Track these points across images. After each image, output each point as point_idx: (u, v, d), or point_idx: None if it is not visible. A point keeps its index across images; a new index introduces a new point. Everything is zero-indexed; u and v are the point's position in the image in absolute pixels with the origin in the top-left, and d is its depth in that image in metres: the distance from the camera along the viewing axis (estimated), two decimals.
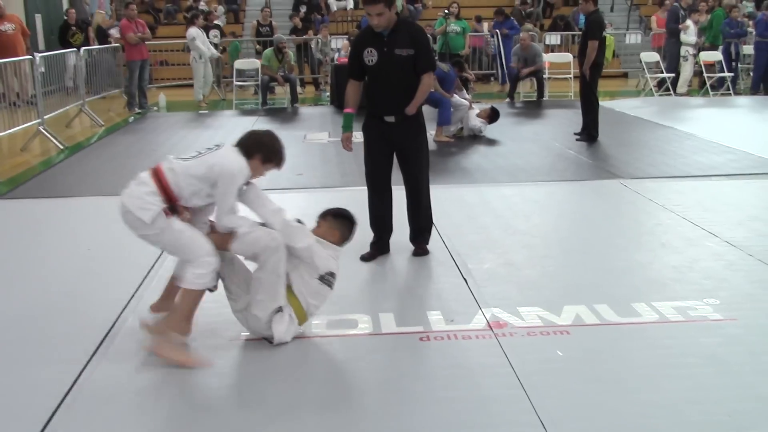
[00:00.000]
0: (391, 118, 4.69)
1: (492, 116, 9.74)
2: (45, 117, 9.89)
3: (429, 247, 5.00)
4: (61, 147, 9.47)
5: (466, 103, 9.66)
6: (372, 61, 4.62)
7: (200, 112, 12.71)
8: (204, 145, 3.61)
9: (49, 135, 9.66)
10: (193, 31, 13.13)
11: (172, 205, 3.40)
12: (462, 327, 3.82)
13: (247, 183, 3.56)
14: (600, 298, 4.14)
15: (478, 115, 9.67)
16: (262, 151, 3.57)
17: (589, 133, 9.13)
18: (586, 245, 5.18)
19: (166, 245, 3.53)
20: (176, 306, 3.52)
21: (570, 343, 3.63)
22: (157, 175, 3.40)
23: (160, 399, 3.19)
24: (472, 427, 2.91)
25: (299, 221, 3.76)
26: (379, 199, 4.94)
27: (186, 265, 3.43)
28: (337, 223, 3.87)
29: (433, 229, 5.38)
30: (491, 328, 3.79)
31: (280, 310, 3.52)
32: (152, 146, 9.44)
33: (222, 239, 3.49)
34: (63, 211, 6.31)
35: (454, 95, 9.56)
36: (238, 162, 3.46)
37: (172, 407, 3.13)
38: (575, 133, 9.33)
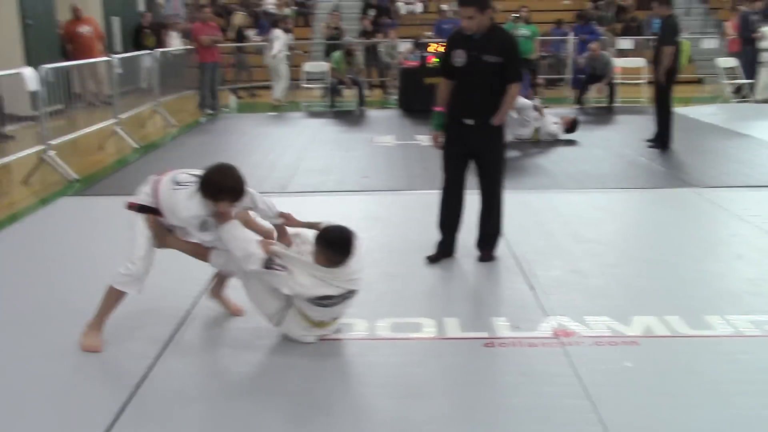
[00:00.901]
0: (470, 121, 4.67)
1: (571, 126, 9.58)
2: (121, 117, 10.20)
3: (495, 252, 4.96)
4: (136, 146, 9.75)
5: (530, 103, 9.50)
6: (459, 63, 4.61)
7: (270, 113, 12.90)
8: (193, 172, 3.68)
9: (124, 134, 9.96)
10: (278, 32, 13.47)
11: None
12: (528, 334, 3.77)
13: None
14: (671, 309, 4.04)
15: (557, 123, 9.52)
16: (206, 191, 3.50)
17: (662, 140, 8.91)
18: (658, 255, 5.05)
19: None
20: (98, 309, 3.69)
21: (639, 355, 3.55)
22: (156, 186, 3.68)
23: (225, 390, 3.24)
24: None
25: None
26: (451, 200, 4.93)
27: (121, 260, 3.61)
28: (322, 249, 3.60)
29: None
30: (557, 337, 3.73)
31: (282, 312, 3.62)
32: (222, 147, 9.63)
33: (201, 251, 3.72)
34: None
35: (521, 99, 9.44)
36: (187, 208, 3.53)
37: (240, 397, 3.17)
38: (647, 140, 9.11)
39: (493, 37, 4.56)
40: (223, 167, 3.59)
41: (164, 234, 3.71)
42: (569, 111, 10.30)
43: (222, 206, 3.49)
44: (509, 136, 9.41)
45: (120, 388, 3.24)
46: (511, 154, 8.83)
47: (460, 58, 4.60)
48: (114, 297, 3.62)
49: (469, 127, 4.68)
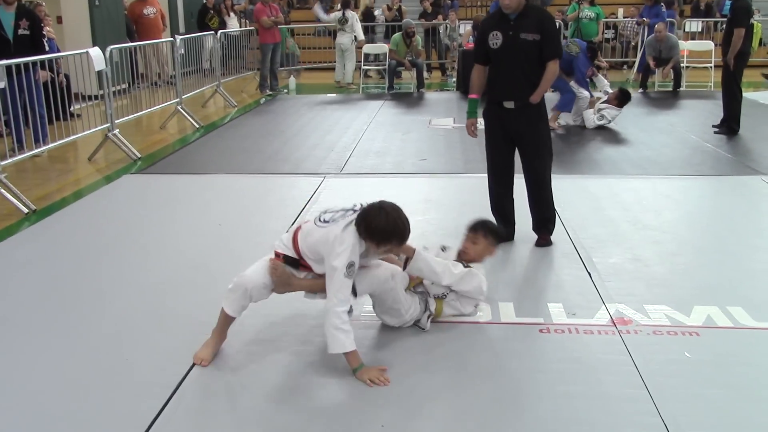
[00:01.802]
0: (510, 104, 4.60)
1: (622, 99, 9.22)
2: (183, 97, 10.37)
3: (552, 238, 4.89)
4: (197, 126, 9.91)
5: (587, 95, 9.26)
6: (496, 44, 4.55)
7: (329, 95, 12.96)
8: (344, 207, 3.34)
9: (186, 114, 10.13)
10: (353, 14, 13.61)
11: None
12: (584, 321, 3.72)
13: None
14: (734, 300, 3.92)
15: (607, 101, 9.28)
16: (374, 238, 3.19)
17: (729, 125, 8.65)
18: (722, 244, 4.92)
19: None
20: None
21: (699, 345, 3.46)
22: (294, 240, 3.37)
23: (278, 370, 3.28)
24: (591, 424, 2.83)
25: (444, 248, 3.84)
26: (499, 186, 4.89)
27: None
28: (495, 242, 3.90)
29: (558, 220, 5.26)
30: (615, 325, 3.67)
31: (418, 312, 3.63)
32: (281, 128, 9.71)
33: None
34: (197, 188, 6.60)
35: (572, 83, 9.23)
36: (345, 245, 3.17)
37: (290, 378, 3.21)
38: (714, 126, 8.85)
39: (529, 15, 4.50)
40: (389, 210, 3.21)
41: (288, 279, 3.38)
42: (633, 95, 10.00)
43: (381, 251, 3.30)
44: (572, 120, 9.30)
45: (178, 363, 3.32)
46: (571, 138, 8.71)
47: (497, 39, 4.54)
48: (224, 315, 3.40)
49: (510, 111, 4.61)
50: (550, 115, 8.84)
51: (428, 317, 3.65)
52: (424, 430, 2.81)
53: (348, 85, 13.83)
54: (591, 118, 9.15)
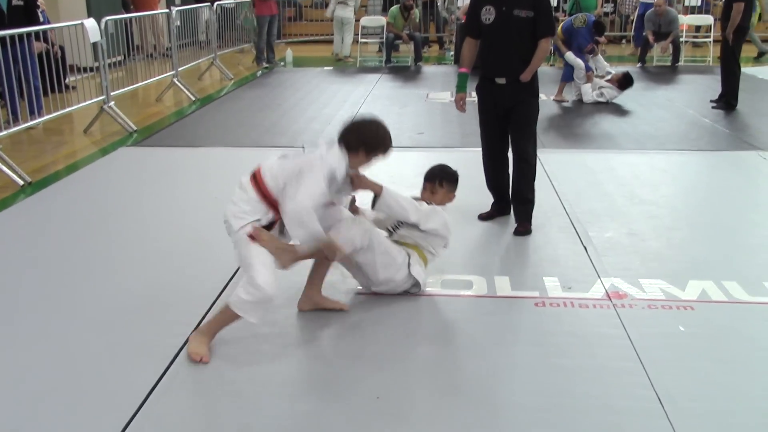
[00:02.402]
0: (502, 80, 4.56)
1: (623, 83, 9.19)
2: (179, 69, 10.30)
3: (547, 212, 4.89)
4: (193, 98, 9.85)
5: (581, 63, 9.17)
6: (489, 19, 4.50)
7: (326, 68, 12.89)
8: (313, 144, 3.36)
9: (182, 86, 10.06)
10: None
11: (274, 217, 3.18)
12: (579, 295, 3.73)
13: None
14: (729, 274, 3.94)
15: (609, 81, 9.25)
16: (366, 144, 3.27)
17: (727, 101, 8.62)
18: (718, 219, 4.93)
19: (239, 256, 3.21)
20: (212, 318, 3.29)
21: (694, 319, 3.48)
22: (256, 179, 3.18)
23: (276, 342, 3.29)
24: (585, 396, 2.85)
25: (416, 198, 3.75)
26: (493, 161, 4.85)
27: (241, 282, 3.18)
28: (452, 187, 3.87)
29: (554, 194, 5.28)
30: (610, 298, 3.68)
31: (408, 258, 3.63)
32: (278, 101, 9.67)
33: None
34: (193, 161, 6.59)
35: (569, 52, 9.18)
36: (330, 159, 3.18)
37: (288, 349, 3.22)
38: (712, 101, 8.83)
39: None
40: (373, 119, 3.38)
41: (287, 247, 3.26)
42: (630, 69, 9.98)
43: (370, 161, 3.32)
44: (573, 96, 9.24)
45: (175, 334, 3.33)
46: (569, 112, 8.68)
47: (489, 14, 4.48)
48: (230, 317, 3.18)
49: (501, 86, 4.57)
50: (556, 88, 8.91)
51: (413, 285, 3.69)
52: (420, 401, 2.83)
53: (345, 58, 13.75)
54: (589, 93, 9.12)
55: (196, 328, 3.28)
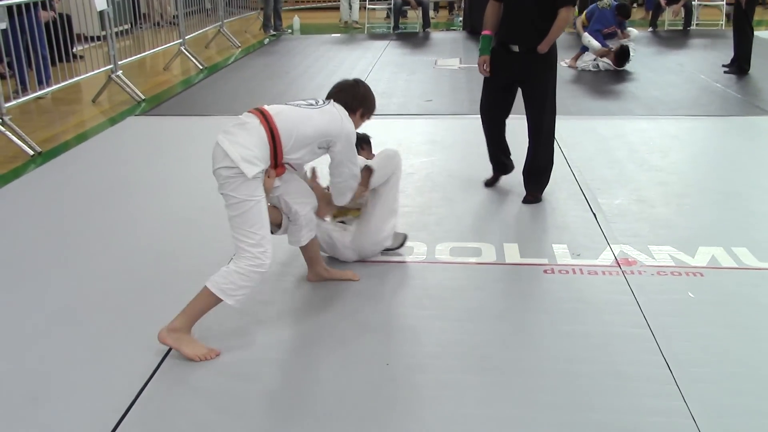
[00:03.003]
0: (515, 48, 4.41)
1: (620, 57, 8.90)
2: (186, 38, 10.25)
3: (557, 179, 4.86)
4: (201, 67, 9.82)
5: (597, 45, 8.94)
6: None
7: (334, 35, 12.80)
8: (306, 99, 3.28)
9: (189, 55, 10.02)
10: None
11: (275, 162, 3.00)
12: (588, 262, 3.73)
13: None
14: (739, 240, 3.93)
15: (604, 56, 9.04)
16: (363, 105, 3.30)
17: (739, 65, 8.52)
18: (728, 185, 4.90)
19: (235, 212, 2.93)
20: (188, 305, 2.99)
21: (703, 286, 3.48)
22: (266, 119, 2.96)
23: (285, 310, 3.32)
24: (593, 362, 2.87)
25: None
26: (490, 133, 4.76)
27: (234, 259, 2.95)
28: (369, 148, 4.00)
29: (564, 161, 5.26)
30: (619, 265, 3.68)
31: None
32: (286, 69, 9.62)
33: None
34: (201, 129, 6.57)
35: (585, 33, 9.07)
36: (351, 123, 3.18)
37: (297, 317, 3.25)
38: (724, 65, 8.73)
39: None
40: (361, 81, 3.42)
41: (329, 200, 3.39)
42: (641, 34, 9.84)
43: (361, 124, 3.33)
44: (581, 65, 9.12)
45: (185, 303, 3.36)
46: (579, 79, 8.61)
47: None
48: (212, 305, 2.97)
49: (515, 54, 4.42)
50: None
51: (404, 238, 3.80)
52: (429, 367, 2.86)
53: (353, 24, 13.63)
54: (586, 61, 9.01)
55: (169, 325, 2.96)
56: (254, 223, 2.90)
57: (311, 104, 3.16)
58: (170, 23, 11.33)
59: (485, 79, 4.65)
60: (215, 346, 3.00)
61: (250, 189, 2.89)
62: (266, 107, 3.05)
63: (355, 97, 3.28)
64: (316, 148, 3.09)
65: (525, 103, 4.58)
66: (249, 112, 3.04)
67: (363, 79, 3.45)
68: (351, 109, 3.24)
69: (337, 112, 3.15)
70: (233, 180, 2.89)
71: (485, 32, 4.56)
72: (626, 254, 3.80)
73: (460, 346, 3.01)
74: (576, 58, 9.22)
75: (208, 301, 2.93)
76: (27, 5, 7.04)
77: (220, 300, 2.91)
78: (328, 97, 3.30)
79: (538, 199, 4.62)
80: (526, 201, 4.61)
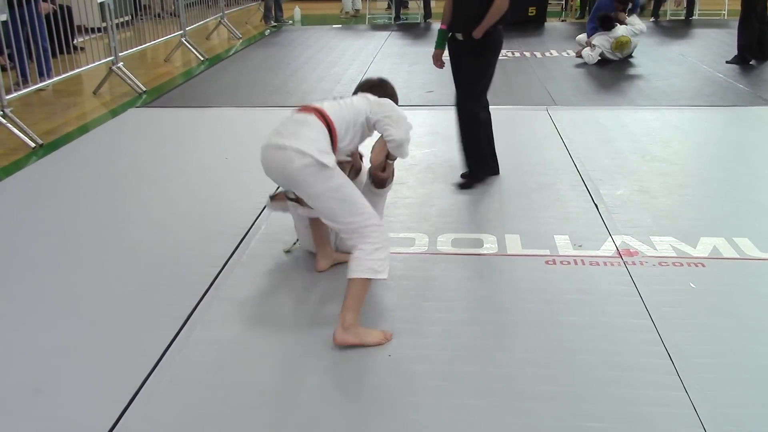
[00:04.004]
0: (460, 36, 4.50)
1: (604, 22, 8.84)
2: (187, 29, 10.23)
3: (558, 170, 4.87)
4: (202, 58, 9.80)
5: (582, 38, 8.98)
6: None
7: (335, 26, 12.77)
8: (335, 98, 3.35)
9: (190, 46, 10.00)
10: None
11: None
12: (590, 253, 3.73)
13: None
14: (741, 231, 3.93)
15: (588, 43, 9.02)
16: (393, 97, 3.46)
17: (742, 56, 8.48)
18: (730, 176, 4.89)
19: (336, 202, 2.95)
20: (349, 301, 2.95)
21: (705, 276, 3.48)
22: (321, 114, 3.05)
23: (288, 301, 3.33)
24: (595, 352, 2.87)
25: None
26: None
27: (356, 242, 2.95)
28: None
29: (566, 152, 5.26)
30: (621, 256, 3.68)
31: None
32: (287, 60, 9.60)
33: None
34: (203, 121, 6.58)
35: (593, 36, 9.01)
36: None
37: (299, 309, 3.26)
38: (728, 62, 8.65)
39: None
40: (384, 80, 3.57)
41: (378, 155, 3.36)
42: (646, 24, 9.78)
43: None
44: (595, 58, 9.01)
45: (188, 294, 3.36)
46: (580, 70, 8.58)
47: None
48: (368, 287, 2.99)
49: (459, 42, 4.51)
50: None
51: None
52: (431, 358, 2.86)
53: (356, 12, 13.59)
54: (588, 55, 8.92)
55: (342, 325, 2.91)
56: (357, 201, 2.99)
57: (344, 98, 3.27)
58: (171, 14, 11.30)
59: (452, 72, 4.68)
60: (215, 335, 3.00)
61: (336, 175, 2.96)
62: (314, 104, 3.15)
63: (384, 93, 3.39)
64: (361, 128, 3.16)
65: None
66: (300, 111, 3.13)
67: (364, 72, 3.52)
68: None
69: (370, 95, 3.29)
70: (318, 174, 2.92)
71: (442, 26, 4.66)
72: (628, 245, 3.80)
73: (461, 337, 3.01)
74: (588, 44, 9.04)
75: (364, 287, 2.96)
76: None
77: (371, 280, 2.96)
78: (356, 92, 3.41)
79: (468, 185, 4.67)
80: (459, 186, 4.68)
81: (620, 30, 8.78)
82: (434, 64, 4.80)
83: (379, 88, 3.46)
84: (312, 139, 2.96)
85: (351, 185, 3.02)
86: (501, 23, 4.44)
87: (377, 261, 2.92)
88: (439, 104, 6.91)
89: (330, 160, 2.93)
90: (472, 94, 4.60)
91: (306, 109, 3.13)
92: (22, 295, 3.42)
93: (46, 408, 2.60)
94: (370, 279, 2.94)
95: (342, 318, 2.92)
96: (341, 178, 2.99)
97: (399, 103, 3.39)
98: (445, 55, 4.72)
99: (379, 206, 3.57)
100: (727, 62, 8.51)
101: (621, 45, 8.77)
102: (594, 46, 8.84)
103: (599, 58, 8.84)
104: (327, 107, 3.12)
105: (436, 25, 12.53)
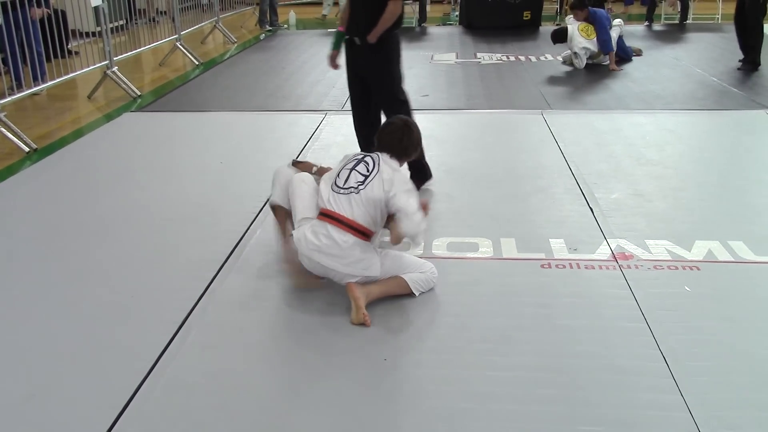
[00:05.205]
0: (357, 40, 4.50)
1: (576, 4, 8.82)
2: (182, 33, 10.22)
3: (553, 174, 4.89)
4: (196, 63, 9.79)
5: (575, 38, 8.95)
6: None
7: (330, 30, 12.77)
8: (355, 160, 3.41)
9: (185, 50, 10.00)
10: None
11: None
12: (585, 256, 3.74)
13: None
14: (736, 234, 3.94)
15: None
16: (417, 150, 3.60)
17: (753, 59, 8.35)
18: (724, 179, 4.90)
19: (387, 272, 3.31)
20: (382, 284, 3.29)
21: (699, 280, 3.49)
22: (347, 224, 3.23)
23: (283, 306, 3.32)
24: (590, 356, 2.87)
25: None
26: (361, 125, 4.76)
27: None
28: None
29: (560, 155, 5.26)
30: (616, 260, 3.69)
31: None
32: (282, 64, 9.60)
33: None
34: (197, 125, 6.57)
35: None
36: (404, 174, 3.42)
37: (295, 313, 3.25)
38: (739, 68, 8.57)
39: None
40: (408, 120, 3.65)
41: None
42: (637, 28, 9.82)
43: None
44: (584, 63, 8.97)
45: (183, 299, 3.35)
46: (575, 74, 8.60)
47: None
48: (399, 291, 3.34)
49: (357, 47, 4.51)
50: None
51: None
52: (426, 362, 2.86)
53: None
54: (576, 62, 8.88)
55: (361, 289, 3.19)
56: (408, 259, 3.43)
57: (362, 180, 3.32)
58: (164, 13, 11.27)
59: (347, 77, 4.71)
60: (210, 340, 3.00)
61: (376, 257, 3.31)
62: (340, 212, 3.26)
63: (412, 146, 3.53)
64: (382, 212, 3.32)
65: (372, 97, 4.65)
66: (335, 224, 3.25)
67: (406, 119, 3.65)
68: (405, 157, 3.51)
69: (389, 172, 3.33)
70: (368, 268, 3.27)
71: (339, 28, 4.68)
72: (623, 248, 3.81)
73: (457, 341, 3.01)
74: (613, 61, 8.79)
75: (399, 287, 3.34)
76: (21, 1, 7.00)
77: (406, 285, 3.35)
78: (380, 148, 3.46)
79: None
80: None
81: (574, 29, 8.79)
82: (329, 64, 4.81)
83: (398, 144, 3.46)
84: (351, 259, 3.23)
85: (395, 254, 3.40)
86: (396, 27, 4.46)
87: (422, 282, 3.35)
88: (435, 108, 6.91)
89: (373, 269, 3.26)
90: (391, 100, 4.58)
91: (330, 216, 3.26)
92: (15, 300, 3.41)
93: (40, 413, 2.59)
94: (407, 284, 3.30)
95: (367, 290, 3.21)
96: (386, 258, 3.32)
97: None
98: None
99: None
100: (738, 69, 8.42)
101: (587, 30, 8.78)
102: (576, 53, 8.83)
103: (588, 62, 8.84)
104: (357, 215, 3.24)
105: (431, 29, 12.62)
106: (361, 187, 3.28)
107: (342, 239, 3.22)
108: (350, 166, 3.38)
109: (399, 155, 3.45)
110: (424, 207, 3.37)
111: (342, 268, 3.23)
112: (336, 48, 4.71)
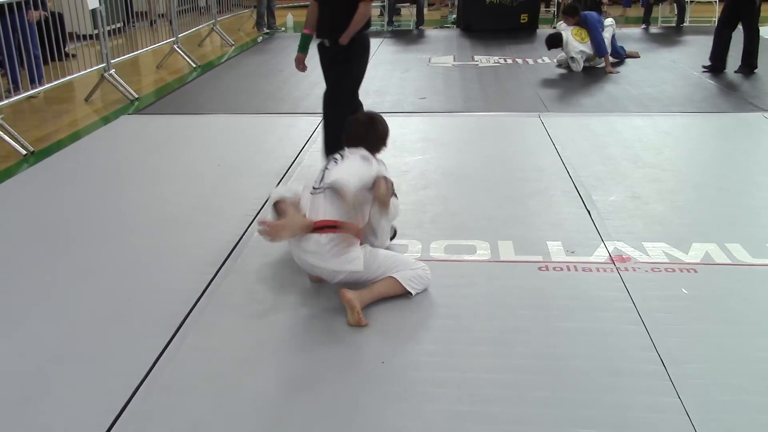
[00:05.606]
0: (327, 42, 4.57)
1: (569, 12, 8.87)
2: (179, 36, 10.22)
3: (551, 176, 4.89)
4: (194, 65, 9.79)
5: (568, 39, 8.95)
6: None
7: None
8: (330, 160, 3.49)
9: (182, 53, 10.00)
10: None
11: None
12: (583, 259, 3.74)
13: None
14: (733, 237, 3.94)
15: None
16: (384, 142, 3.65)
17: (750, 63, 8.38)
18: (722, 181, 4.91)
19: (378, 271, 3.34)
20: (374, 288, 3.30)
21: (697, 282, 3.49)
22: (331, 225, 3.27)
23: (281, 308, 3.32)
24: (588, 358, 2.87)
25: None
26: (329, 128, 4.80)
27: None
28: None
29: (558, 158, 5.27)
30: (613, 262, 3.69)
31: None
32: (280, 67, 9.60)
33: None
34: (195, 128, 6.57)
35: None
36: (368, 171, 3.37)
37: (292, 316, 3.25)
38: (736, 71, 8.58)
39: None
40: (373, 114, 3.70)
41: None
42: (634, 31, 9.84)
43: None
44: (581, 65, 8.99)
45: (181, 302, 3.35)
46: (572, 77, 8.61)
47: None
48: (393, 292, 3.35)
49: (326, 48, 4.58)
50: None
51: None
52: (424, 365, 2.86)
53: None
54: (574, 66, 8.91)
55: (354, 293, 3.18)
56: (400, 257, 3.47)
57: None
58: (162, 16, 11.27)
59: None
60: (208, 342, 2.99)
61: (358, 250, 3.31)
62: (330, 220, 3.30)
63: (375, 139, 3.59)
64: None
65: None
66: (328, 231, 3.29)
67: (370, 112, 3.72)
68: (374, 150, 3.56)
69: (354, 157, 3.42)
70: (351, 262, 3.28)
71: (305, 31, 4.76)
72: (620, 251, 3.81)
73: (454, 343, 3.01)
74: (607, 62, 8.88)
75: (392, 288, 3.35)
76: (18, 4, 7.00)
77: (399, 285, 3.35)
78: (347, 143, 3.54)
79: None
80: None
81: (568, 35, 8.80)
82: (296, 67, 4.88)
83: (365, 138, 3.55)
84: (334, 255, 3.25)
85: (385, 254, 3.42)
86: (366, 29, 4.51)
87: (415, 279, 3.34)
88: (432, 111, 6.92)
89: (356, 263, 3.25)
90: (341, 95, 4.68)
91: (313, 225, 3.29)
92: (12, 302, 3.40)
93: (37, 415, 2.59)
94: (400, 283, 3.30)
95: (359, 294, 3.19)
96: (376, 258, 3.34)
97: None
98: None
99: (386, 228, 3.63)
100: (735, 72, 8.43)
101: (580, 34, 8.79)
102: (572, 58, 8.85)
103: (585, 64, 8.86)
104: (329, 212, 3.28)
105: (429, 32, 12.63)
106: (324, 186, 3.36)
107: (319, 239, 3.27)
108: (323, 167, 3.48)
109: (368, 149, 3.51)
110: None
111: (324, 264, 3.27)
112: (303, 51, 4.79)
